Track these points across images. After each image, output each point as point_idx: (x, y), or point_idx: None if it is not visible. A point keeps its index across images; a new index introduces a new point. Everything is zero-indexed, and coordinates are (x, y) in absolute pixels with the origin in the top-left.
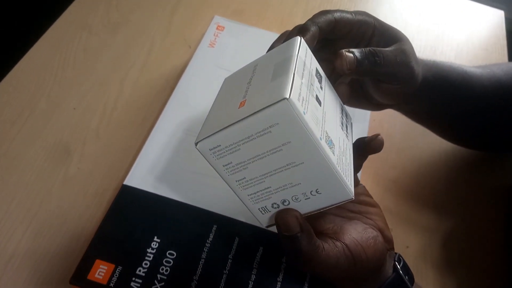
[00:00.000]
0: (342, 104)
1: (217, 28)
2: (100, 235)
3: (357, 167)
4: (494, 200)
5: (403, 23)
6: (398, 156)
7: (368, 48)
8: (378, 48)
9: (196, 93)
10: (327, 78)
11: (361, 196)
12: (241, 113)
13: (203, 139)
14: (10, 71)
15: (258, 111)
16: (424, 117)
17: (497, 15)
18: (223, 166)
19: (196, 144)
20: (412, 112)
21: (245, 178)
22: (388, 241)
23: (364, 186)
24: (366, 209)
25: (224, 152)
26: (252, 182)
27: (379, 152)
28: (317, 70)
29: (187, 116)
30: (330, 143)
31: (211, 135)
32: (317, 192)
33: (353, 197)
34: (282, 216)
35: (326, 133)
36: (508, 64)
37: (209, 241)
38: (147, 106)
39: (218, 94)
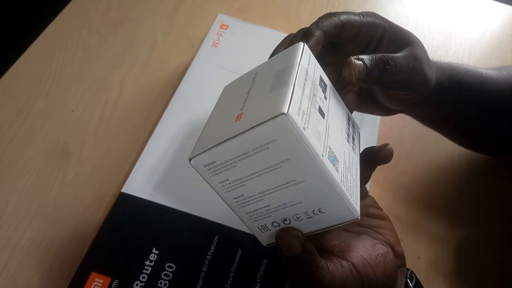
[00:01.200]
0: (349, 113)
1: (220, 27)
2: (96, 247)
3: (365, 179)
4: (508, 207)
5: (414, 22)
6: (408, 161)
7: (379, 55)
8: (389, 55)
9: (198, 96)
10: (332, 86)
11: (370, 209)
12: (237, 128)
13: (197, 155)
14: (7, 70)
15: (254, 127)
16: (436, 121)
17: (509, 12)
18: (219, 183)
19: (190, 160)
20: (424, 116)
21: (242, 195)
22: (400, 257)
23: (373, 198)
24: (375, 223)
25: (220, 168)
26: (250, 200)
27: None
28: (321, 78)
29: (188, 119)
30: (334, 160)
31: (205, 150)
32: (319, 211)
33: (359, 217)
34: (282, 236)
35: (329, 148)
36: None
37: (210, 253)
38: (148, 108)
39: (216, 104)
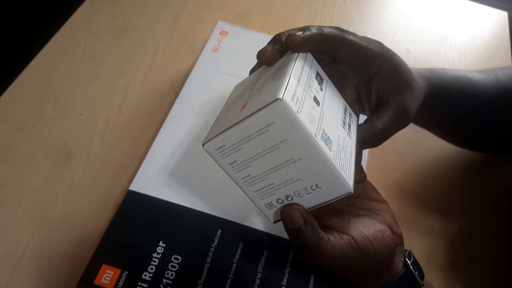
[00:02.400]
0: (346, 105)
1: (220, 33)
2: (106, 241)
3: (357, 161)
4: (498, 203)
5: (406, 25)
6: (402, 159)
7: (367, 129)
8: (376, 126)
9: (200, 99)
10: (330, 82)
11: (369, 192)
12: (242, 115)
13: (209, 140)
14: (17, 77)
15: (255, 112)
16: (427, 124)
17: (500, 17)
18: (229, 164)
19: (203, 145)
20: (416, 119)
21: (250, 175)
22: (398, 236)
23: (370, 182)
24: (374, 205)
25: (229, 151)
26: (256, 179)
27: (383, 155)
28: (317, 73)
29: (191, 121)
30: (327, 140)
31: (215, 136)
32: (317, 186)
33: (352, 191)
34: (286, 210)
35: (323, 130)
36: None
37: (213, 246)
38: (151, 111)
39: (227, 100)
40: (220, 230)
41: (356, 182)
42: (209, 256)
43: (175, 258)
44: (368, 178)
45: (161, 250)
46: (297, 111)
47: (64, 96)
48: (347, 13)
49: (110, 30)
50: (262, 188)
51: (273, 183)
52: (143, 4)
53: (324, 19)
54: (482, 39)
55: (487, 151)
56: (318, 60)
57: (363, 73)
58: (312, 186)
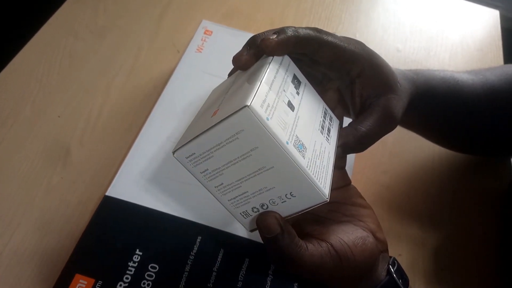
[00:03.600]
0: (327, 108)
1: (204, 33)
2: (80, 249)
3: (340, 166)
4: (488, 205)
5: (397, 24)
6: (390, 161)
7: (350, 133)
8: (359, 130)
9: (182, 100)
10: (309, 85)
11: (353, 198)
12: (212, 122)
13: (179, 148)
14: None
15: (223, 119)
16: (415, 127)
17: (492, 15)
18: (201, 173)
19: (173, 153)
20: (402, 122)
21: (222, 183)
22: (381, 243)
23: (355, 187)
24: (357, 211)
25: (200, 159)
26: (230, 188)
27: (371, 157)
28: (294, 76)
29: (172, 123)
30: (301, 147)
31: (185, 144)
32: (291, 195)
33: (328, 200)
34: (262, 218)
35: (296, 137)
36: (502, 68)
37: (193, 253)
38: (133, 113)
39: (203, 105)
40: (200, 237)
41: (340, 187)
42: (188, 264)
43: (152, 267)
44: (355, 181)
45: (137, 258)
46: (267, 118)
47: (43, 98)
48: (336, 12)
49: (92, 29)
50: (236, 197)
51: (247, 191)
52: (126, 3)
53: (312, 18)
54: (473, 38)
55: (476, 153)
56: (299, 61)
57: (345, 75)
58: (286, 194)
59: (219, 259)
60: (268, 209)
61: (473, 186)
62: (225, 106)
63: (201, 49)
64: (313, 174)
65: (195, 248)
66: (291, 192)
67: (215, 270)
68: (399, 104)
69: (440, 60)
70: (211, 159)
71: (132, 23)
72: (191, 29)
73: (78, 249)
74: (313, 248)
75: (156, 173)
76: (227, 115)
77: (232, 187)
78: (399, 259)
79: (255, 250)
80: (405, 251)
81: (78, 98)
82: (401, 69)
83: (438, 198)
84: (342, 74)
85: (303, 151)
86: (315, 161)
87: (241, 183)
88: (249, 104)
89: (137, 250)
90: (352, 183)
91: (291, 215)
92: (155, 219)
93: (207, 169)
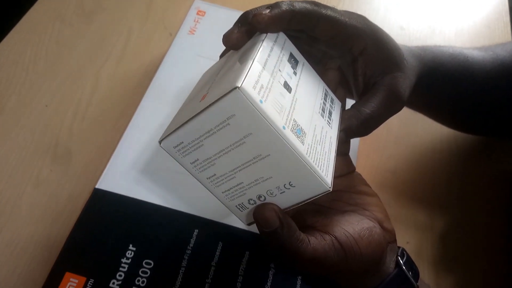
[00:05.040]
0: (327, 89)
1: (197, 13)
2: (70, 246)
3: (343, 152)
4: (500, 190)
5: (400, 0)
6: (396, 144)
7: (353, 116)
8: (363, 112)
9: (174, 85)
10: (307, 64)
11: (358, 186)
12: (200, 107)
13: (166, 137)
14: None
15: (212, 104)
16: (422, 107)
17: None
18: (191, 163)
19: (160, 142)
20: (409, 102)
21: (215, 174)
22: (389, 233)
23: (360, 174)
24: (363, 200)
25: (189, 149)
26: (223, 179)
27: (375, 141)
28: (291, 55)
29: (165, 110)
30: (299, 132)
31: (172, 132)
32: (290, 185)
33: (330, 189)
34: (259, 211)
35: (294, 121)
36: None
37: (189, 248)
38: (125, 100)
39: (192, 89)
40: (197, 230)
41: (343, 175)
42: (184, 259)
43: (146, 263)
44: (359, 167)
45: (131, 254)
46: (260, 101)
47: (29, 87)
48: None
49: (79, 13)
50: (231, 189)
51: (242, 182)
52: None
53: None
54: (480, 14)
55: (487, 134)
56: (295, 39)
57: (346, 52)
58: (285, 184)
59: (217, 253)
60: (265, 201)
61: (484, 170)
62: (214, 89)
63: (194, 31)
64: (313, 161)
65: (192, 242)
66: (290, 182)
67: (214, 264)
68: (405, 83)
69: (446, 38)
70: (201, 148)
71: (121, 5)
72: (184, 10)
73: (67, 246)
74: (315, 242)
75: (149, 163)
76: (215, 99)
77: (225, 178)
78: (406, 248)
79: (255, 243)
80: (412, 239)
81: (66, 86)
82: (407, 45)
83: (447, 183)
84: (343, 51)
85: (302, 136)
86: (316, 147)
87: (235, 173)
88: (239, 86)
89: (130, 245)
90: (356, 170)
91: (291, 206)
92: (149, 212)
93: (198, 159)
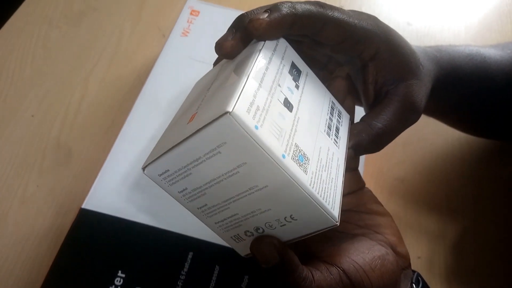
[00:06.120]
0: (334, 101)
1: (191, 14)
2: (54, 272)
3: (352, 167)
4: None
5: None
6: (404, 150)
7: (362, 131)
8: (374, 126)
9: (167, 92)
10: (311, 73)
11: (368, 204)
12: (187, 131)
13: (149, 163)
14: None
15: (199, 130)
16: (436, 113)
17: None
18: (179, 192)
19: (143, 169)
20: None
21: (206, 205)
22: (403, 258)
23: (370, 191)
24: (374, 221)
25: (176, 177)
26: (215, 209)
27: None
28: (293, 64)
29: (157, 120)
30: (301, 159)
31: (156, 159)
32: (292, 218)
33: (338, 223)
34: (257, 245)
35: (296, 146)
36: None
37: (184, 272)
38: (116, 108)
39: (182, 104)
40: (192, 253)
41: (352, 192)
42: (178, 285)
43: None
44: (366, 175)
45: (120, 281)
46: (256, 126)
47: (14, 95)
48: None
49: (68, 14)
50: (225, 219)
51: (237, 213)
52: None
53: None
54: (491, 6)
55: (502, 137)
56: (298, 43)
57: (356, 58)
58: (286, 217)
59: (214, 278)
60: (264, 233)
61: (499, 176)
62: (203, 109)
63: (187, 32)
64: (318, 193)
65: (186, 265)
66: (291, 215)
67: None
68: (421, 91)
69: (456, 33)
70: (189, 176)
71: (112, 5)
72: (176, 11)
73: (52, 272)
74: (320, 278)
75: (139, 179)
76: (204, 124)
77: (218, 208)
78: (417, 264)
79: (255, 267)
80: (424, 253)
81: (53, 93)
82: (421, 46)
83: (460, 191)
84: (353, 57)
85: (304, 163)
86: (321, 175)
87: (228, 204)
88: (230, 110)
89: (119, 271)
90: (363, 178)
91: (293, 239)
92: (140, 234)
93: (186, 188)
